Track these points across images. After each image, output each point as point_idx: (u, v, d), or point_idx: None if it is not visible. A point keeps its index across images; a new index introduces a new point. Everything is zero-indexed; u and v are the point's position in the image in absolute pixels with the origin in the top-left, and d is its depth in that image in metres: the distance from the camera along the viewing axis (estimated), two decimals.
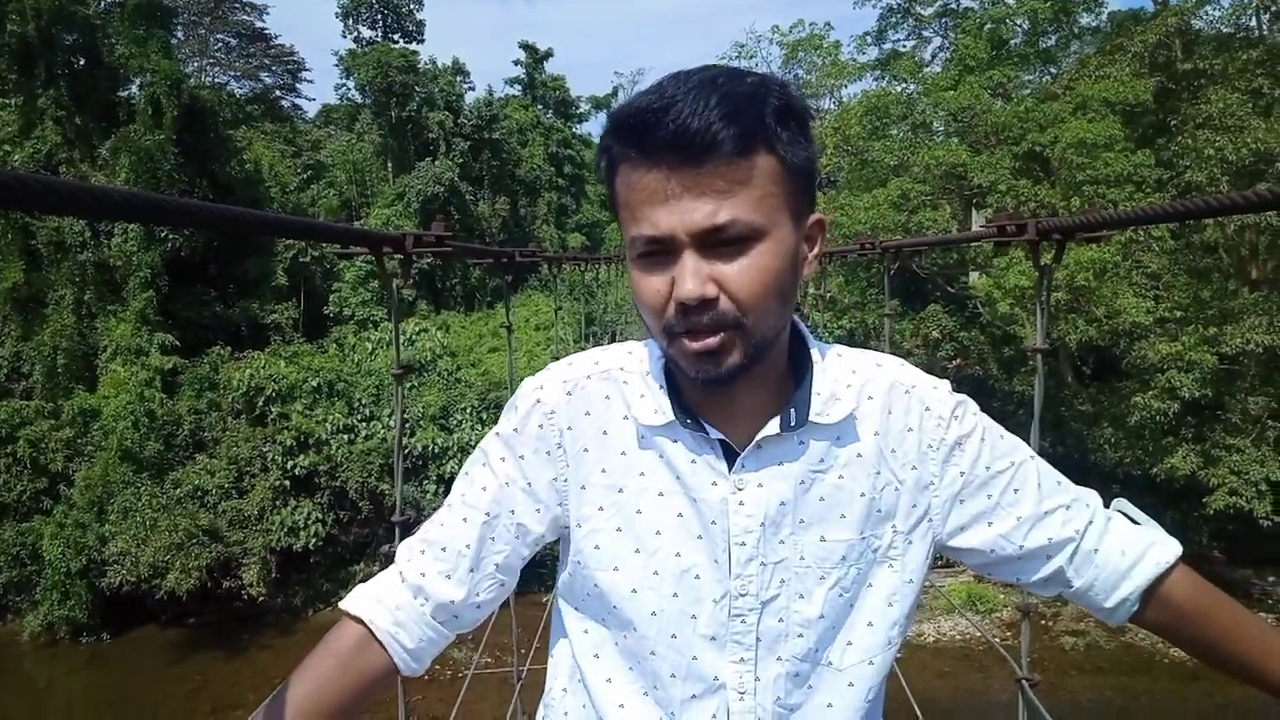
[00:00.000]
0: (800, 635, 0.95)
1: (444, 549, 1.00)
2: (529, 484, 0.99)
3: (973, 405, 1.02)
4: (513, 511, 1.00)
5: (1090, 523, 1.00)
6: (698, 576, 0.94)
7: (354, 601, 1.01)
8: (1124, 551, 1.00)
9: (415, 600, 0.99)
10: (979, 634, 14.62)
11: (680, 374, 0.93)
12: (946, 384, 1.03)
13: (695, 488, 0.94)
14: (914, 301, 20.90)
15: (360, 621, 0.98)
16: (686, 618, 0.94)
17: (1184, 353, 15.72)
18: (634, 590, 0.95)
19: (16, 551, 17.30)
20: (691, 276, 0.82)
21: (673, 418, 0.94)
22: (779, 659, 0.95)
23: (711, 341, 0.84)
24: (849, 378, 0.98)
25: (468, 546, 1.00)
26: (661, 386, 0.96)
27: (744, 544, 0.93)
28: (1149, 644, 14.91)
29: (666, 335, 0.87)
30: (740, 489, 0.93)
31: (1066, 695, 13.76)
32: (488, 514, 1.00)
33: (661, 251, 0.83)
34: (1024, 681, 2.07)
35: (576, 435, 0.98)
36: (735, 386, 0.89)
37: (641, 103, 0.81)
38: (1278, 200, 1.02)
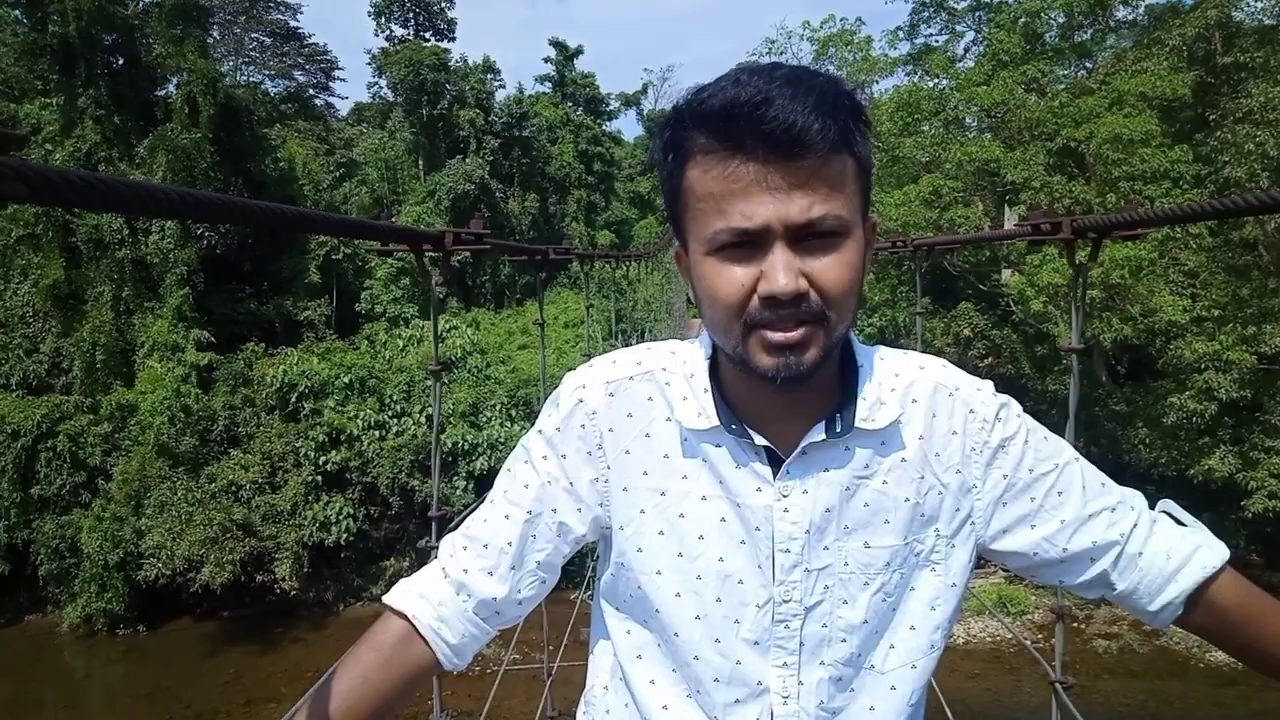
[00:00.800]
0: (844, 640, 0.94)
1: (486, 545, 1.01)
2: (571, 483, 0.99)
3: (1016, 407, 1.01)
4: (555, 510, 1.00)
5: (1135, 526, 0.99)
6: (741, 582, 0.94)
7: (397, 596, 1.01)
8: (1169, 555, 0.98)
9: (458, 596, 1.00)
10: (1010, 635, 14.49)
11: (740, 374, 0.92)
12: (990, 385, 1.01)
13: (739, 493, 0.94)
14: (945, 299, 20.71)
15: (403, 616, 0.99)
16: (730, 622, 0.94)
17: (1222, 352, 15.46)
18: (677, 594, 0.95)
19: (56, 544, 17.62)
20: (785, 270, 0.81)
21: (717, 422, 0.94)
22: (822, 663, 0.94)
23: (795, 334, 0.84)
24: (893, 381, 0.97)
25: (510, 544, 1.00)
26: (706, 390, 0.96)
27: (788, 550, 0.93)
28: (1184, 648, 14.68)
29: (744, 328, 0.85)
30: (785, 495, 0.93)
31: (1099, 699, 13.59)
32: (530, 511, 1.00)
33: (748, 244, 0.83)
34: (1058, 685, 2.04)
35: (618, 437, 0.98)
36: (786, 389, 0.89)
37: (732, 95, 0.80)
38: None
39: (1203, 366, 15.78)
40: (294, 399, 18.93)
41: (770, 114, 0.78)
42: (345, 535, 18.07)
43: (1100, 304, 16.82)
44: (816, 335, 0.85)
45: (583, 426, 0.99)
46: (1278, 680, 0.98)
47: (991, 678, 14.46)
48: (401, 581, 1.04)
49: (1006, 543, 0.99)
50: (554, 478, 1.00)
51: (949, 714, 2.80)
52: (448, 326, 21.68)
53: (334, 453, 18.44)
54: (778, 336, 0.84)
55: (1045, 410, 17.83)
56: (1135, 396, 18.22)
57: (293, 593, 17.84)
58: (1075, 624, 15.70)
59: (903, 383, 0.98)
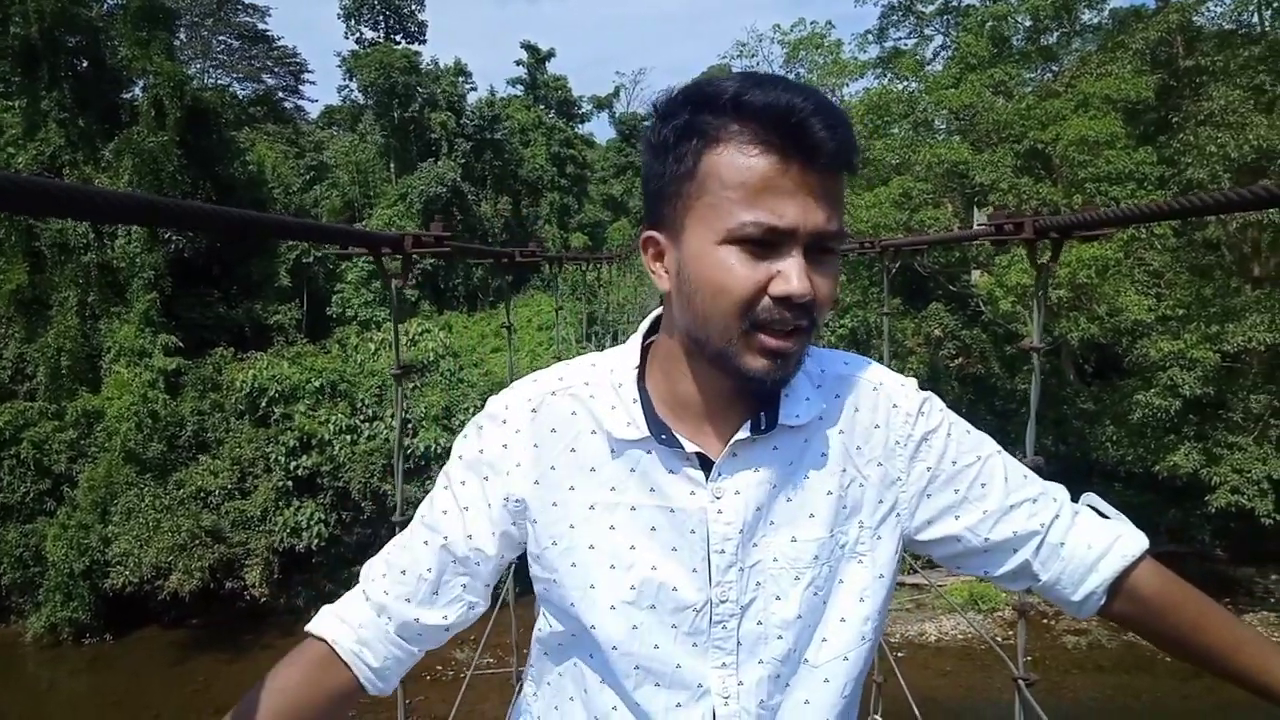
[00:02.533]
0: (779, 637, 0.95)
1: (403, 572, 1.00)
2: (489, 505, 0.98)
3: (938, 401, 1.03)
4: (470, 536, 0.99)
5: (1056, 516, 1.01)
6: (675, 589, 0.93)
7: (317, 622, 1.01)
8: (1090, 545, 1.00)
9: (379, 618, 1.00)
10: (979, 633, 14.57)
11: (693, 374, 0.93)
12: (914, 381, 1.04)
13: (672, 498, 0.94)
14: (916, 300, 20.89)
15: (324, 641, 0.98)
16: (667, 628, 0.94)
17: (1186, 350, 15.70)
18: (612, 607, 0.94)
19: (20, 553, 17.32)
20: (801, 275, 0.83)
21: (647, 433, 0.94)
22: (760, 661, 0.95)
23: (789, 343, 0.86)
24: (818, 377, 0.99)
25: (429, 570, 0.99)
26: (635, 400, 0.96)
27: (723, 551, 0.93)
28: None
29: (745, 327, 0.85)
30: (718, 497, 0.93)
31: (1069, 694, 13.76)
32: (446, 538, 0.99)
33: (770, 243, 0.83)
34: (1020, 681, 2.07)
35: (542, 452, 0.97)
36: (708, 386, 0.93)
37: (785, 100, 0.81)
38: (1279, 197, 1.02)
39: (1167, 364, 16.02)
40: (264, 404, 18.75)
41: (820, 126, 0.80)
42: (316, 541, 17.91)
43: (1067, 304, 17.03)
44: (802, 344, 0.88)
45: (504, 446, 0.98)
46: (1199, 667, 1.00)
47: (963, 674, 14.60)
48: (324, 609, 1.03)
49: (931, 533, 1.01)
50: (471, 504, 0.99)
51: (916, 711, 2.82)
52: (420, 330, 21.57)
53: (305, 457, 18.28)
54: (775, 343, 0.85)
55: (1014, 409, 18.04)
56: (1102, 395, 18.47)
57: (263, 599, 17.66)
58: (1044, 620, 15.88)
59: (827, 378, 0.99)
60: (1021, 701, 2.07)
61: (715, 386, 0.93)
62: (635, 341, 1.01)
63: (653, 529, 0.94)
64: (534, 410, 0.98)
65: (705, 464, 0.94)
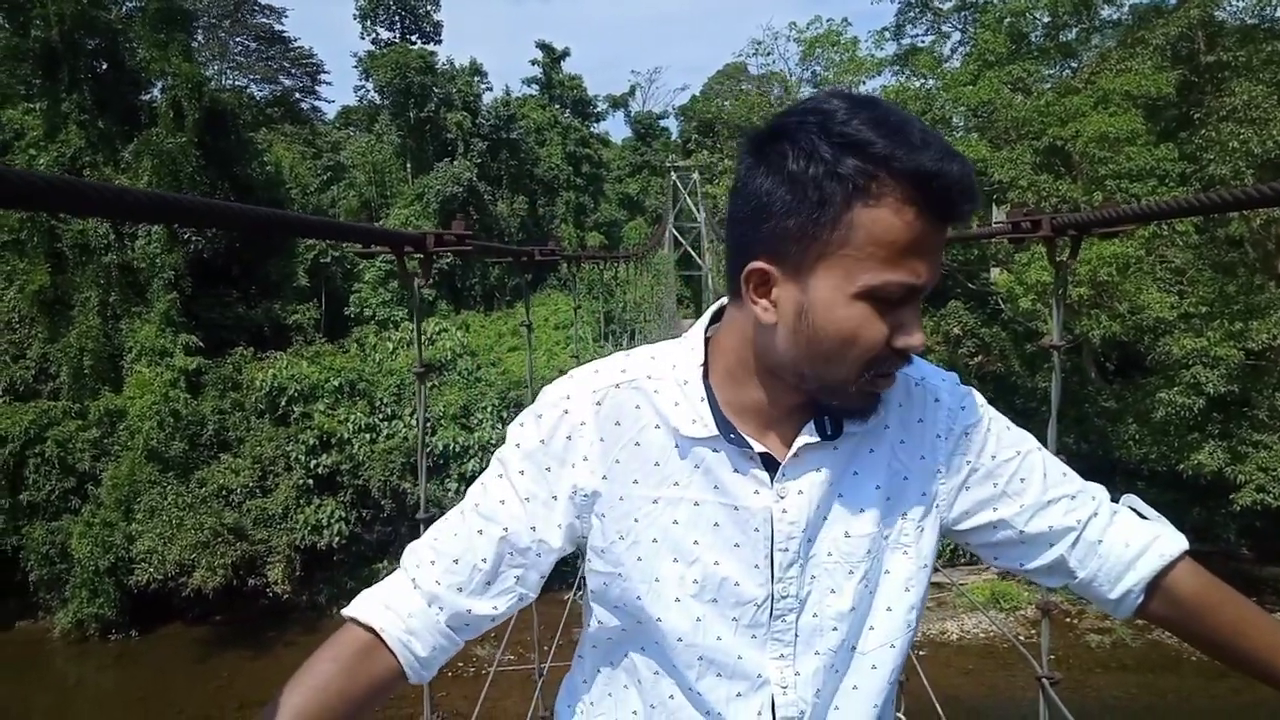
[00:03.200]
0: (834, 629, 0.97)
1: (456, 561, 0.98)
2: (554, 497, 0.98)
3: (979, 397, 1.04)
4: (534, 528, 0.98)
5: (1094, 514, 1.02)
6: (737, 583, 0.95)
7: (362, 607, 0.97)
8: (1128, 544, 1.01)
9: (430, 608, 0.97)
10: (1001, 631, 14.51)
11: (756, 383, 0.95)
12: (954, 376, 1.05)
13: (737, 497, 0.95)
14: (934, 298, 20.78)
15: (368, 628, 0.95)
16: (728, 621, 0.96)
17: (1209, 348, 15.56)
18: (677, 600, 0.96)
19: (46, 550, 17.53)
20: (921, 329, 0.87)
21: (716, 431, 0.95)
22: (816, 652, 0.97)
23: (891, 384, 0.92)
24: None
25: (484, 560, 0.98)
26: (703, 398, 0.96)
27: (786, 550, 0.95)
28: (1175, 641, 14.71)
29: (865, 372, 0.88)
30: (783, 497, 0.95)
31: (1092, 693, 13.65)
32: (506, 529, 0.98)
33: (899, 300, 0.85)
34: (1044, 680, 2.06)
35: (608, 446, 0.97)
36: (777, 398, 0.95)
37: (947, 171, 0.81)
38: None
39: (1190, 362, 15.88)
40: (284, 403, 18.88)
41: (969, 199, 0.83)
42: (337, 538, 18.03)
43: (1088, 301, 16.90)
44: None
45: (569, 438, 0.97)
46: (1236, 669, 1.00)
47: (985, 673, 14.52)
48: (364, 593, 1.00)
49: (968, 523, 1.02)
50: (533, 494, 0.98)
51: (939, 709, 2.82)
52: (438, 329, 21.66)
53: (325, 456, 18.40)
54: (885, 387, 0.91)
55: (1035, 408, 17.89)
56: (1124, 393, 18.32)
57: (285, 596, 17.79)
58: (1067, 619, 15.78)
59: None
60: (1045, 700, 2.06)
61: (785, 397, 0.95)
62: (698, 338, 1.00)
63: (715, 525, 0.96)
64: (598, 403, 0.98)
65: (768, 463, 0.96)
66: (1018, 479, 1.01)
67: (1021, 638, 13.86)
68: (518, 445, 1.00)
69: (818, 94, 0.91)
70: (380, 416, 19.22)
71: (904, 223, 0.81)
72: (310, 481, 18.32)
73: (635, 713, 1.03)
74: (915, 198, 0.81)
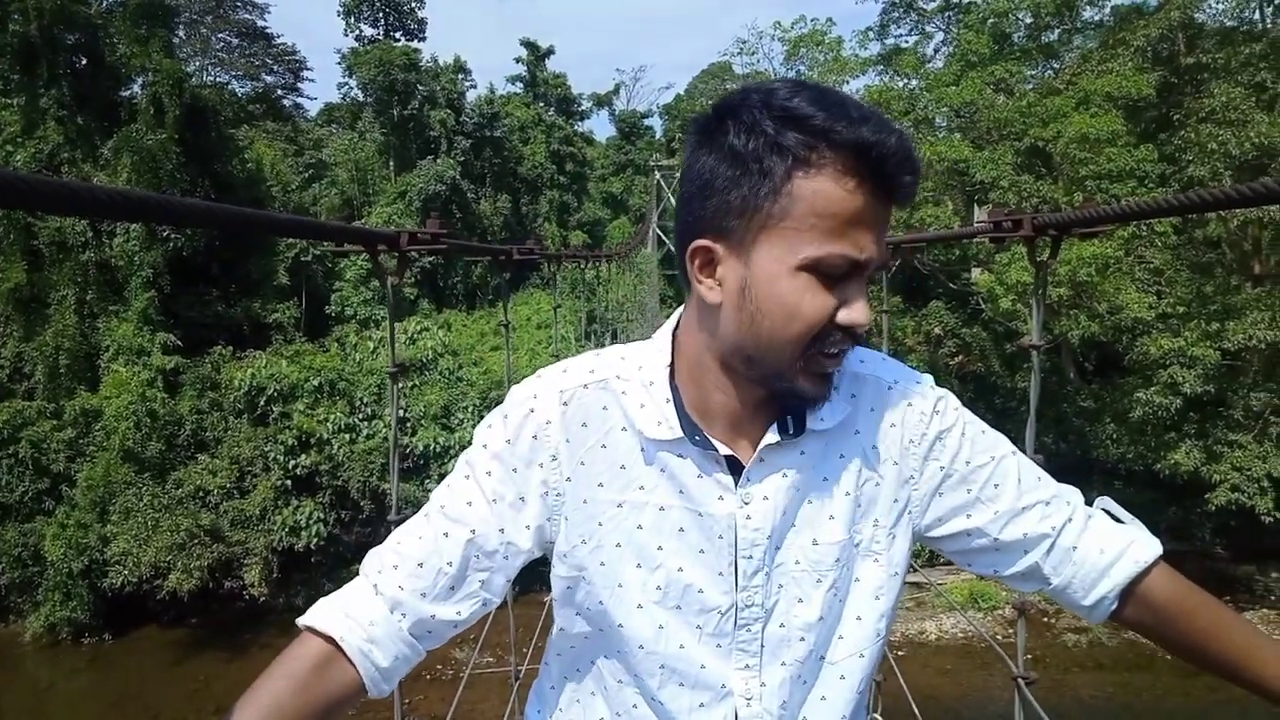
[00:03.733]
0: (802, 639, 0.95)
1: (421, 564, 0.95)
2: (521, 498, 0.96)
3: (954, 400, 1.02)
4: (501, 530, 0.96)
5: (1069, 520, 1.00)
6: (701, 591, 0.93)
7: (319, 616, 0.93)
8: (1103, 550, 0.99)
9: (392, 615, 0.93)
10: (979, 631, 14.53)
11: (721, 380, 0.92)
12: (929, 379, 1.03)
13: (701, 502, 0.93)
14: (916, 298, 20.90)
15: (326, 638, 0.91)
16: (691, 629, 0.94)
17: (1186, 348, 15.71)
18: (639, 606, 0.94)
19: (18, 552, 17.31)
20: (867, 305, 0.86)
21: (681, 434, 0.93)
22: (782, 663, 0.95)
23: (838, 365, 0.89)
24: (836, 378, 0.97)
25: (450, 564, 0.95)
26: (668, 400, 0.94)
27: (750, 557, 0.93)
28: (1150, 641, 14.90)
29: (808, 350, 0.86)
30: (747, 503, 0.93)
31: (1069, 692, 13.75)
32: (473, 531, 0.95)
33: (842, 275, 0.84)
34: (1020, 680, 2.06)
35: (574, 448, 0.95)
36: (739, 396, 0.93)
37: (885, 140, 0.80)
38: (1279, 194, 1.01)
39: (1168, 362, 16.02)
40: (263, 402, 18.74)
41: (909, 170, 0.82)
42: (316, 540, 17.91)
43: (1068, 302, 17.03)
44: (841, 363, 0.90)
45: (535, 438, 0.95)
46: (1212, 673, 0.99)
47: (963, 673, 14.60)
48: (320, 602, 0.96)
49: (941, 530, 1.01)
50: (500, 495, 0.96)
51: (915, 710, 2.81)
52: (419, 328, 21.56)
53: (304, 456, 18.28)
54: (830, 366, 0.88)
55: (1014, 407, 18.03)
56: (1102, 393, 18.48)
57: (262, 599, 17.65)
58: (1045, 619, 15.89)
59: (844, 378, 0.98)
60: (1021, 700, 2.06)
61: (746, 395, 0.92)
62: (665, 338, 0.98)
63: (680, 530, 0.94)
64: (565, 403, 0.96)
65: (733, 466, 0.94)
66: (992, 485, 0.99)
67: (999, 638, 13.94)
68: (484, 446, 0.98)
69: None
70: (360, 416, 19.11)
71: (845, 193, 0.81)
72: (289, 482, 18.19)
73: (602, 719, 1.00)
74: (856, 168, 0.81)
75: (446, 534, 0.96)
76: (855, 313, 0.84)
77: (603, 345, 1.09)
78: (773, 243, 0.83)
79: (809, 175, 0.81)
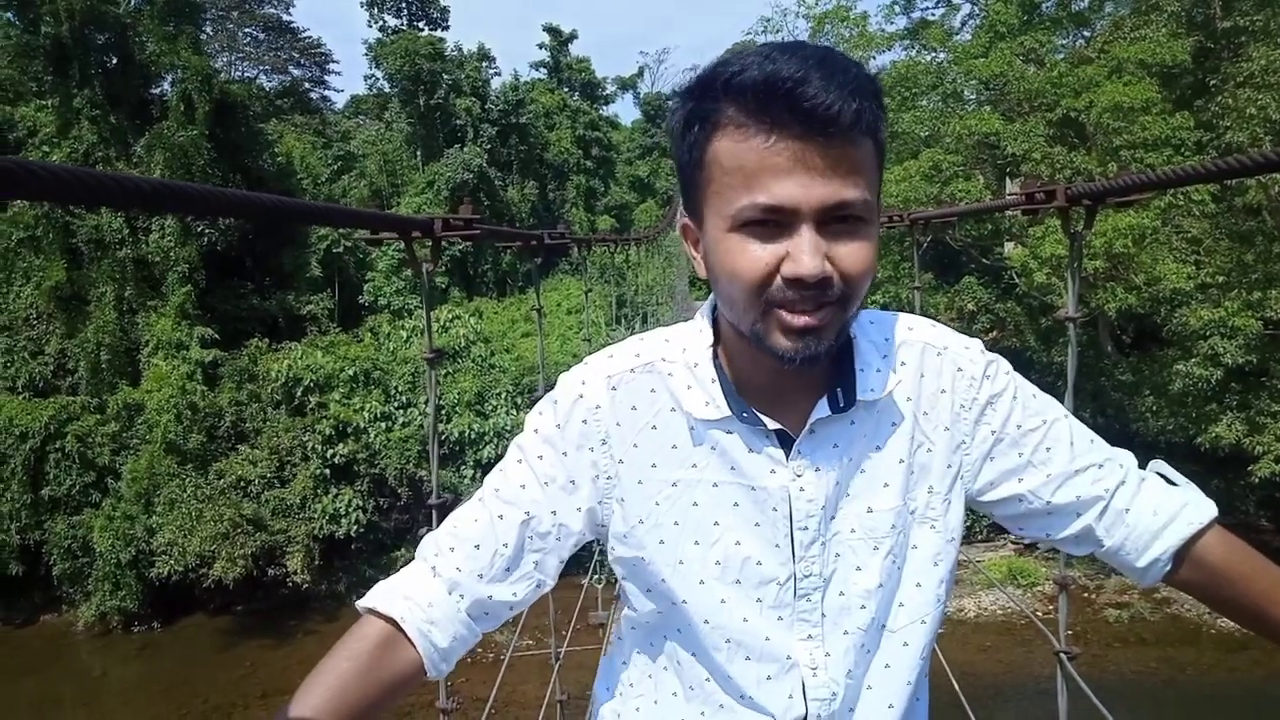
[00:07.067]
0: (863, 607, 0.96)
1: (477, 546, 0.98)
2: (572, 481, 0.98)
3: (1005, 364, 1.02)
4: (554, 512, 0.98)
5: (1122, 482, 1.00)
6: (759, 563, 0.95)
7: (380, 598, 0.96)
8: (1156, 511, 0.99)
9: (450, 596, 0.97)
10: (1019, 608, 14.43)
11: (750, 354, 0.92)
12: (979, 343, 1.03)
13: (753, 477, 0.94)
14: (948, 274, 20.65)
15: (387, 619, 0.94)
16: (752, 601, 0.95)
17: (1227, 319, 15.38)
18: (700, 581, 0.96)
19: (68, 544, 17.72)
20: (812, 252, 0.81)
21: (729, 412, 0.94)
22: (845, 632, 0.96)
23: (815, 319, 0.84)
24: (884, 347, 0.98)
25: (505, 545, 0.97)
26: (713, 379, 0.95)
27: (806, 528, 0.94)
28: (1195, 615, 14.70)
29: (763, 308, 0.84)
30: (799, 475, 0.94)
31: (1111, 668, 13.62)
32: (527, 513, 0.98)
33: (774, 223, 0.82)
34: (1062, 655, 2.05)
35: (625, 431, 0.97)
36: (775, 370, 0.91)
37: (770, 71, 0.78)
38: None
39: (1208, 333, 15.71)
40: (299, 393, 18.99)
41: (809, 92, 0.77)
42: (355, 527, 18.15)
43: (1104, 274, 16.75)
44: (835, 318, 0.85)
45: (584, 422, 0.97)
46: (1267, 637, 0.99)
47: (1003, 650, 14.51)
48: (379, 584, 0.99)
49: (993, 494, 1.01)
50: (552, 478, 0.98)
51: (956, 687, 2.81)
52: (451, 316, 21.68)
53: (341, 445, 18.50)
54: (799, 320, 0.84)
55: (1050, 382, 17.72)
56: (1141, 366, 18.17)
57: (305, 586, 17.94)
58: (1085, 594, 15.73)
59: (892, 346, 0.99)
60: (1063, 675, 2.05)
61: (771, 368, 0.92)
62: (706, 317, 0.99)
63: (735, 505, 0.95)
64: (613, 388, 0.98)
65: (783, 440, 0.94)
66: (1044, 448, 0.99)
67: (1039, 614, 13.83)
68: (536, 431, 1.00)
69: None
70: (395, 405, 19.29)
71: (744, 143, 0.80)
72: (327, 471, 18.43)
73: (675, 694, 1.02)
74: (756, 113, 0.80)
75: (501, 516, 0.98)
76: (795, 264, 0.81)
77: (633, 330, 1.09)
78: (711, 209, 0.86)
79: (717, 136, 0.83)
